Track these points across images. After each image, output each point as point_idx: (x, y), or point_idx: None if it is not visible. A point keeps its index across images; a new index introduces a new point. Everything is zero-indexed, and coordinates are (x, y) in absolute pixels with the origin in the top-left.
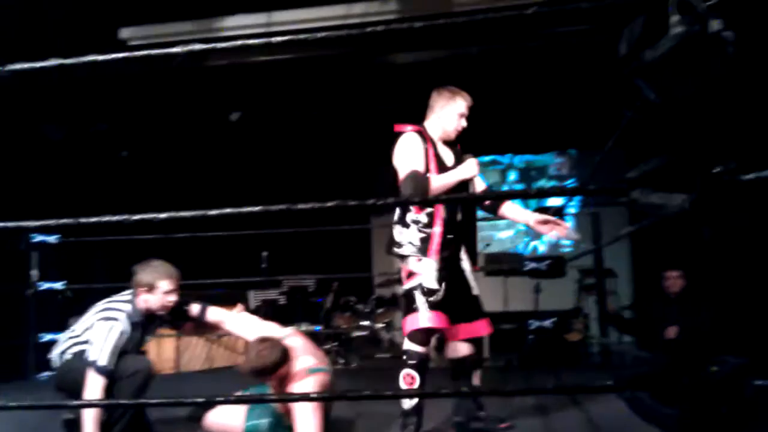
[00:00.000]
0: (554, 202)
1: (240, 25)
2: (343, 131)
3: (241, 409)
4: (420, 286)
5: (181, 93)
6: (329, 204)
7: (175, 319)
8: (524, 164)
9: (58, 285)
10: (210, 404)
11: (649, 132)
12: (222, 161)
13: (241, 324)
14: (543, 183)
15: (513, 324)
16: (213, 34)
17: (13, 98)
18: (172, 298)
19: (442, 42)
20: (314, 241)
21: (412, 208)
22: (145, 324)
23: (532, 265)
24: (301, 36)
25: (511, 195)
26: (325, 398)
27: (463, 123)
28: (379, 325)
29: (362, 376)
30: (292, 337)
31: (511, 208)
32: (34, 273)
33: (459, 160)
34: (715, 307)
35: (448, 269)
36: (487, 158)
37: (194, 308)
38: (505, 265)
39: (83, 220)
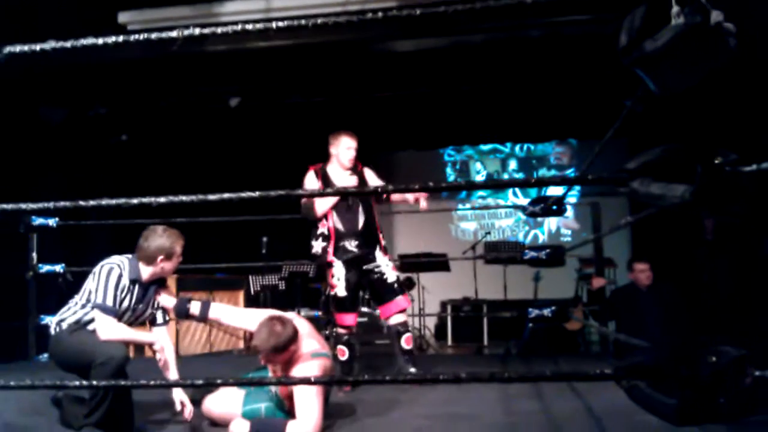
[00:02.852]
0: (554, 191)
1: (238, 10)
2: (345, 117)
3: (239, 394)
4: (336, 295)
5: (180, 77)
6: (327, 191)
7: (179, 316)
8: (525, 153)
9: (58, 268)
10: (208, 386)
11: (651, 122)
12: (222, 145)
13: (244, 315)
14: (543, 172)
15: (512, 312)
16: (212, 20)
17: (11, 81)
18: (181, 258)
19: (444, 30)
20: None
21: (318, 224)
22: (146, 288)
23: (532, 254)
24: (301, 22)
25: (513, 184)
26: (324, 382)
27: (352, 153)
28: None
29: (361, 362)
30: (296, 320)
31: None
32: (34, 256)
33: (362, 181)
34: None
35: (355, 270)
36: (487, 147)
37: (195, 306)
38: (504, 253)
39: (82, 202)
